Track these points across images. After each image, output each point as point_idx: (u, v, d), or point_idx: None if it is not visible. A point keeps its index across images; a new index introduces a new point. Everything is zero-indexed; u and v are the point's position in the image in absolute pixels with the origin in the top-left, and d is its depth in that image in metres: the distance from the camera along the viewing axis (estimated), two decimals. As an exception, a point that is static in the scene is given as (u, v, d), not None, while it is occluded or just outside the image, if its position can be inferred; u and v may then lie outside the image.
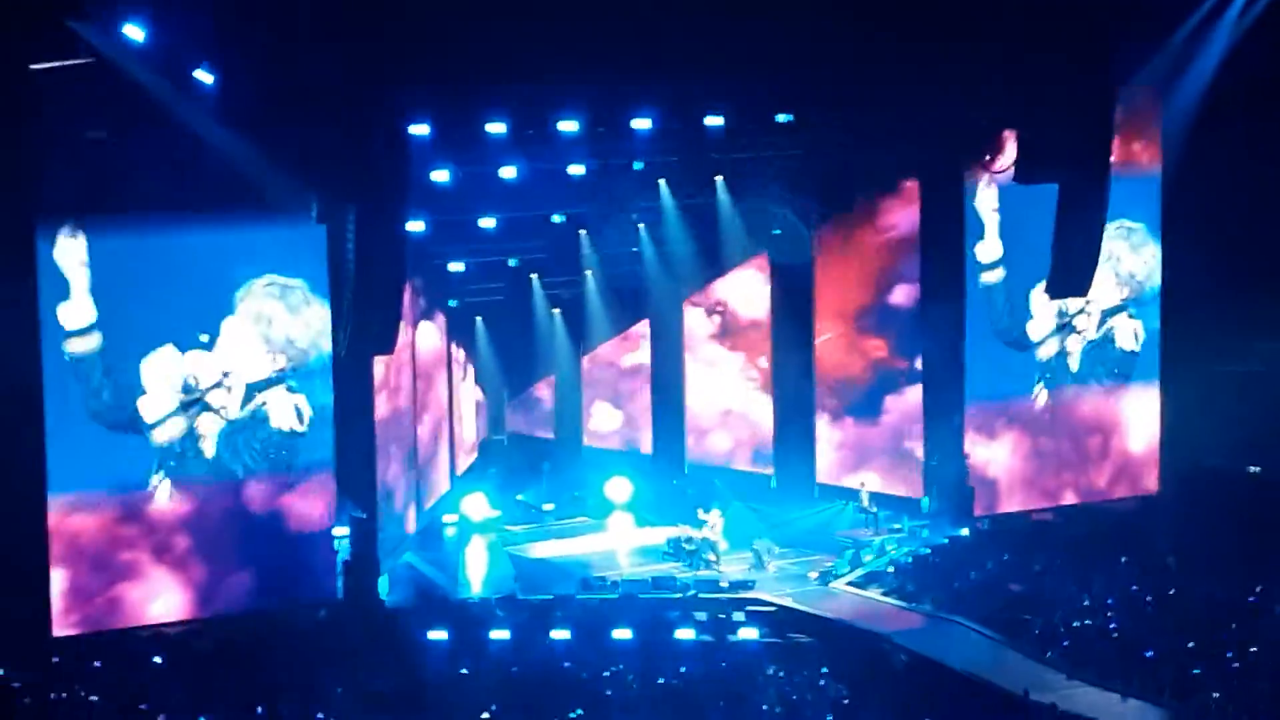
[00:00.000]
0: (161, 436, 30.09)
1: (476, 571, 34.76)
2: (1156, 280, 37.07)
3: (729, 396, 39.26)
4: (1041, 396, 36.53)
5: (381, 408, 32.80)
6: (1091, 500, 36.83)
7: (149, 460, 30.12)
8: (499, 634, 30.48)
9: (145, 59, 27.92)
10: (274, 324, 30.87)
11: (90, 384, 29.50)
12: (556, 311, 39.72)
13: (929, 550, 34.01)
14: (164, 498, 30.19)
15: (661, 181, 36.23)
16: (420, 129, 31.00)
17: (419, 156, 31.13)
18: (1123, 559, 32.91)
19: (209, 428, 30.48)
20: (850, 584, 32.88)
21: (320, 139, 28.83)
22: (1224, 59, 35.52)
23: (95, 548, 29.62)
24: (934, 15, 30.73)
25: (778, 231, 37.72)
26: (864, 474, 36.61)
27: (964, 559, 33.52)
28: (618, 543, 36.28)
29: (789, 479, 38.13)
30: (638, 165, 35.12)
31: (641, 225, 37.72)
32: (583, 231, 37.53)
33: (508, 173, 33.60)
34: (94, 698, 26.29)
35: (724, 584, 32.42)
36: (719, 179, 36.56)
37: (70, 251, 29.15)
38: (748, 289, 38.93)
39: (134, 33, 27.43)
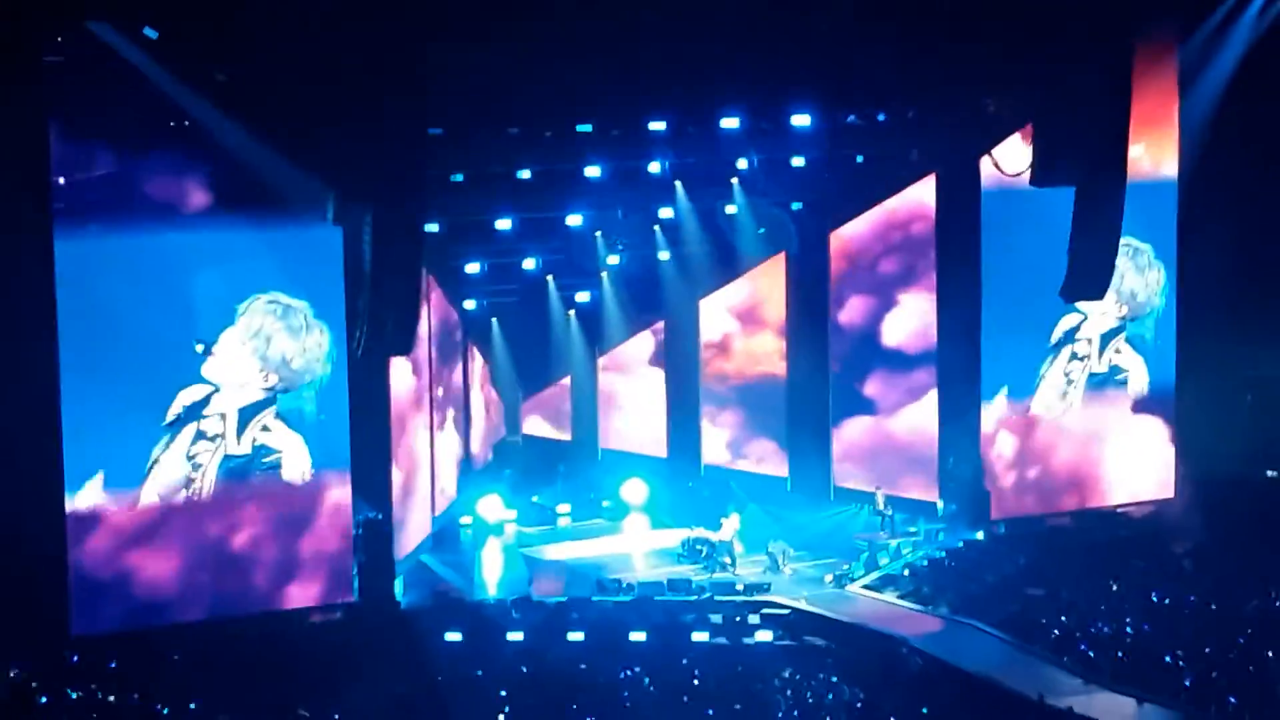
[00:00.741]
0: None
1: (492, 573, 34.76)
2: (1157, 301, 36.84)
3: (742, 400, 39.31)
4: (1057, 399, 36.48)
5: (397, 408, 32.75)
6: (1108, 505, 36.70)
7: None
8: (514, 636, 30.52)
9: (162, 59, 28.01)
10: (272, 343, 30.72)
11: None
12: (572, 314, 39.73)
13: (945, 553, 33.99)
14: (180, 497, 30.17)
15: (678, 183, 36.20)
16: (438, 129, 31.00)
17: (436, 157, 31.13)
18: (1139, 563, 32.89)
19: (207, 458, 30.42)
20: (866, 587, 32.86)
21: (337, 139, 28.83)
22: (1242, 62, 35.52)
23: (111, 547, 29.59)
24: (951, 15, 30.71)
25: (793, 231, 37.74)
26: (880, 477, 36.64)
27: (980, 562, 33.51)
28: (633, 545, 36.26)
29: (804, 482, 38.10)
30: (654, 167, 35.06)
31: (657, 227, 37.69)
32: (599, 234, 37.51)
33: (524, 174, 33.57)
34: (111, 697, 26.32)
35: (739, 587, 32.40)
36: (735, 181, 36.51)
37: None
38: (764, 290, 38.88)
39: (151, 33, 27.48)
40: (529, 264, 37.88)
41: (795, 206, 37.34)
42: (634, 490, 38.46)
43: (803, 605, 31.62)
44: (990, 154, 34.83)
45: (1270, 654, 27.71)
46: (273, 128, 29.36)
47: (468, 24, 28.78)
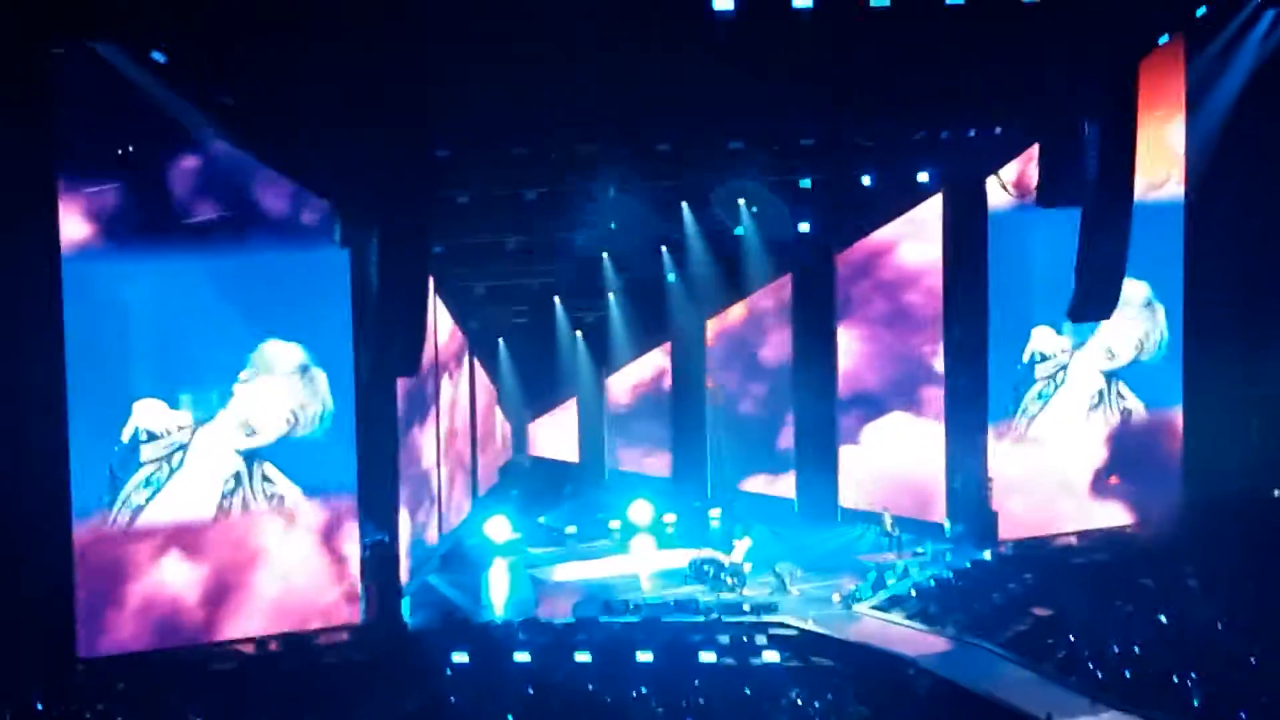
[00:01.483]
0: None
1: (498, 594, 34.73)
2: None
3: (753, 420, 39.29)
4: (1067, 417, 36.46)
5: (404, 430, 32.75)
6: (1115, 524, 36.64)
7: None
8: (521, 656, 30.50)
9: (168, 82, 28.10)
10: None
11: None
12: (579, 334, 39.75)
13: (952, 574, 33.93)
14: (184, 520, 30.18)
15: (684, 204, 36.23)
16: (444, 151, 31.08)
17: (442, 178, 31.20)
18: (1147, 583, 32.85)
19: (207, 485, 30.44)
20: (873, 607, 32.81)
21: (344, 162, 28.93)
22: (1249, 80, 35.57)
23: (118, 570, 29.60)
24: (958, 36, 30.77)
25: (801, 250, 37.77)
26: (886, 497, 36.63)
27: (987, 583, 33.47)
28: (640, 566, 36.23)
29: (811, 502, 38.07)
30: (661, 188, 35.11)
31: (664, 248, 37.72)
32: (605, 254, 37.53)
33: (530, 195, 33.61)
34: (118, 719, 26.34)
35: (746, 607, 32.38)
36: (741, 201, 36.54)
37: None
38: (771, 310, 38.92)
39: (157, 55, 27.58)
40: (535, 285, 37.92)
41: (802, 228, 37.30)
42: (640, 511, 38.42)
43: (810, 626, 31.59)
44: (997, 175, 34.88)
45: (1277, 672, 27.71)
46: (279, 151, 29.50)
47: (473, 46, 28.87)
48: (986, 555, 34.85)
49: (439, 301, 34.61)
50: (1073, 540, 36.11)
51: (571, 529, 38.21)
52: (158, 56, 27.67)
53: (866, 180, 35.94)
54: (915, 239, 36.38)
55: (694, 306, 39.07)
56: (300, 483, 30.91)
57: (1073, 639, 30.11)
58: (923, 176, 35.79)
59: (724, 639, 31.01)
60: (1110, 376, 36.55)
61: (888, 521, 35.86)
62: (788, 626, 31.60)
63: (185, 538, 30.09)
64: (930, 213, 36.01)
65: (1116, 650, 29.51)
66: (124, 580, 29.60)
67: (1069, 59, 30.63)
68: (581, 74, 29.78)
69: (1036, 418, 36.05)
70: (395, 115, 28.09)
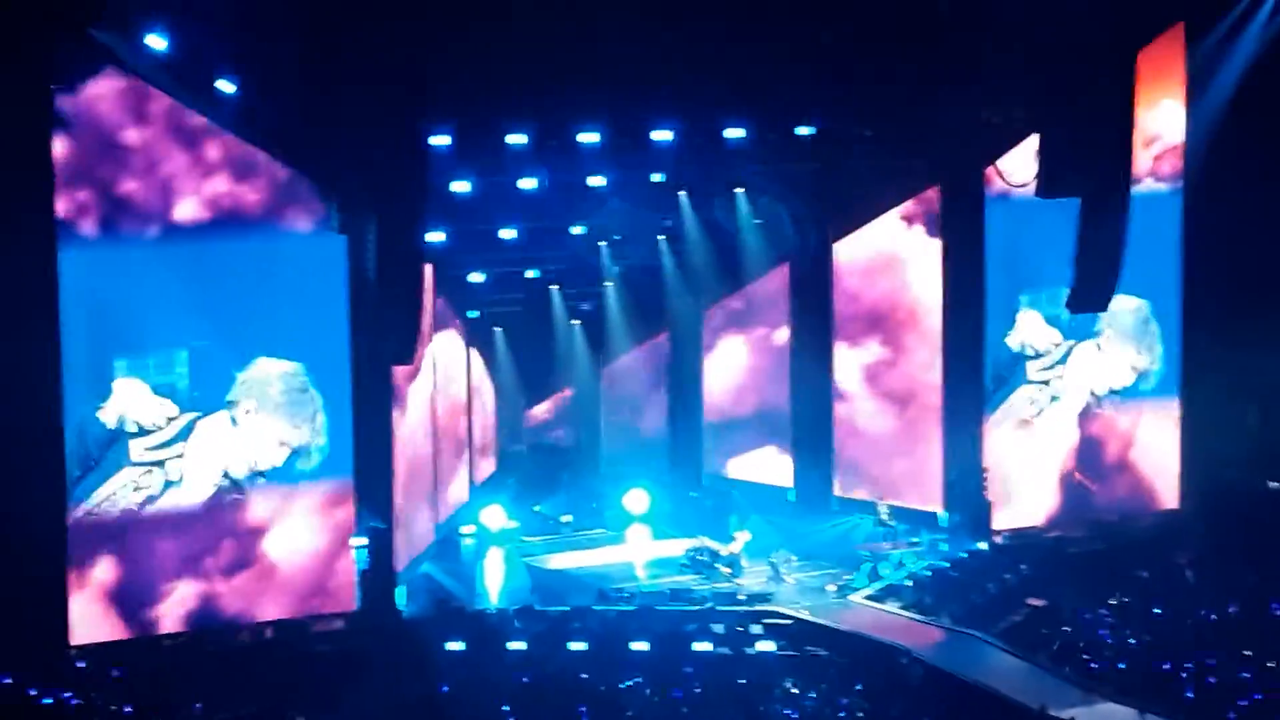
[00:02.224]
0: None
1: (494, 582, 34.72)
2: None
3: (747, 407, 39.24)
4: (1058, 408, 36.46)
5: (400, 418, 32.74)
6: (1110, 515, 36.63)
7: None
8: (516, 645, 30.50)
9: (167, 69, 28.06)
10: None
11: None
12: (576, 323, 39.72)
13: (948, 564, 33.90)
14: (179, 504, 30.17)
15: (681, 193, 36.18)
16: (441, 139, 31.03)
17: (439, 166, 31.14)
18: (1142, 574, 32.84)
19: (199, 471, 30.38)
20: (868, 597, 32.79)
21: (341, 149, 28.89)
22: (1249, 68, 35.52)
23: (111, 555, 29.58)
24: (956, 24, 30.72)
25: (796, 242, 37.69)
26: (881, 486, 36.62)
27: (982, 572, 33.44)
28: (635, 554, 36.23)
29: (807, 492, 38.05)
30: (658, 177, 35.04)
31: (662, 237, 37.68)
32: (603, 243, 37.50)
33: (528, 184, 33.55)
34: (111, 706, 26.29)
35: (742, 596, 32.38)
36: (739, 191, 36.50)
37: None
38: (767, 301, 38.88)
39: (156, 42, 27.54)
40: (532, 274, 37.90)
41: (799, 217, 37.24)
42: (636, 500, 38.41)
43: (805, 615, 31.57)
44: (995, 164, 34.83)
45: (1272, 664, 27.68)
46: (277, 137, 29.47)
47: (473, 32, 28.83)
48: (982, 545, 34.79)
49: (435, 289, 34.53)
50: (1068, 531, 36.09)
51: (567, 518, 38.20)
52: (157, 44, 27.61)
53: (864, 170, 35.85)
54: (912, 227, 36.30)
55: (691, 295, 39.04)
56: (296, 470, 30.88)
57: (1067, 630, 30.12)
58: (920, 166, 35.71)
59: (719, 628, 31.02)
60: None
61: (883, 511, 35.84)
62: (783, 616, 31.58)
63: (179, 523, 30.03)
64: (928, 201, 35.93)
65: (1111, 641, 29.52)
66: (117, 566, 29.54)
67: (1068, 47, 30.51)
68: (579, 60, 29.75)
69: (1032, 407, 36.08)
70: (393, 102, 28.02)
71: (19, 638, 27.51)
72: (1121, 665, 28.53)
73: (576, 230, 36.33)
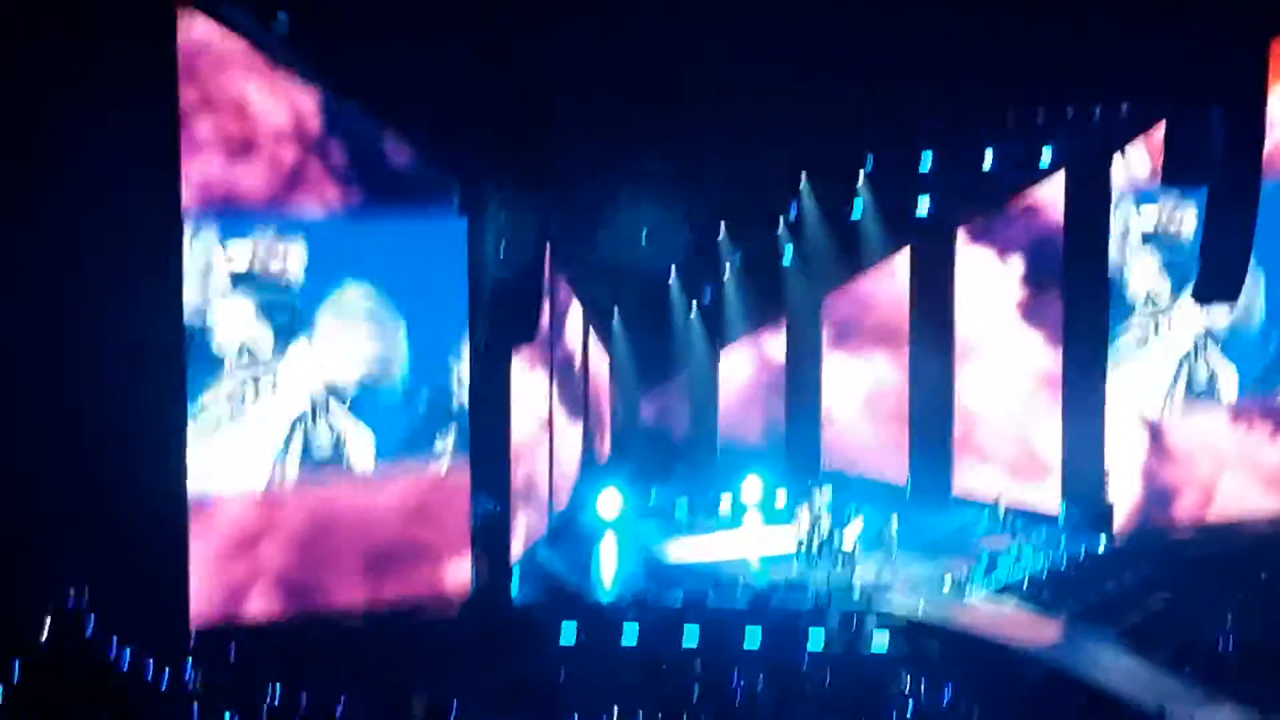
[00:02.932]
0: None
1: (608, 571, 34.71)
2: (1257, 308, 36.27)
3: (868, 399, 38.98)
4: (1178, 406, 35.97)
5: (518, 400, 32.76)
6: (1233, 516, 36.11)
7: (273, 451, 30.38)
8: (629, 636, 30.48)
9: (291, 46, 28.24)
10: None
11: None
12: (694, 306, 39.62)
13: (1065, 562, 33.55)
14: (293, 490, 30.37)
15: (803, 176, 35.99)
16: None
17: (564, 149, 31.16)
18: (1264, 575, 32.39)
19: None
20: (984, 594, 32.51)
21: (468, 129, 28.98)
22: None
23: (230, 541, 29.83)
24: (1082, 13, 30.39)
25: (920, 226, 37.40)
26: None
27: (1101, 572, 33.12)
28: (750, 545, 36.07)
29: (924, 486, 37.76)
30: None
31: (781, 222, 37.51)
32: (723, 227, 37.37)
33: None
34: (229, 686, 26.52)
35: (856, 595, 32.14)
36: (861, 174, 36.28)
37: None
38: (889, 288, 38.60)
39: (280, 19, 27.74)
40: (652, 257, 37.82)
41: (921, 205, 36.95)
42: (752, 488, 38.25)
43: (920, 613, 31.32)
44: (1122, 153, 34.41)
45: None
46: (403, 118, 29.58)
47: (607, 16, 28.88)
48: (1101, 544, 34.40)
49: (555, 272, 34.55)
50: (1190, 531, 35.65)
51: (683, 504, 38.10)
52: (281, 21, 27.78)
53: (989, 159, 35.54)
54: (1038, 218, 35.91)
55: (809, 282, 38.84)
56: (411, 450, 30.98)
57: (1187, 631, 29.75)
58: (1046, 155, 35.33)
59: (833, 624, 30.85)
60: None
61: (1001, 508, 35.52)
62: (897, 613, 31.33)
63: (293, 504, 30.29)
64: (1053, 192, 35.53)
65: (1231, 644, 29.13)
66: (235, 548, 29.80)
67: (1198, 33, 30.10)
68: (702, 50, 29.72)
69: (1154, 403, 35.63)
70: (521, 85, 28.10)
71: (142, 613, 27.80)
72: (1242, 668, 28.11)
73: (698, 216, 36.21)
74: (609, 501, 37.28)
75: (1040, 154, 35.47)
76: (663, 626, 30.71)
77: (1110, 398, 35.22)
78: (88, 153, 27.41)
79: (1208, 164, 30.73)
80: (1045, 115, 34.29)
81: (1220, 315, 35.70)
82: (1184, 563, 33.39)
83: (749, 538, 36.49)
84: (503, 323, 30.23)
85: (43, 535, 27.56)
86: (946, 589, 32.64)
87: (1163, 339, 35.71)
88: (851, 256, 38.19)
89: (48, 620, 26.64)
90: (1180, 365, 35.80)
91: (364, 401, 30.68)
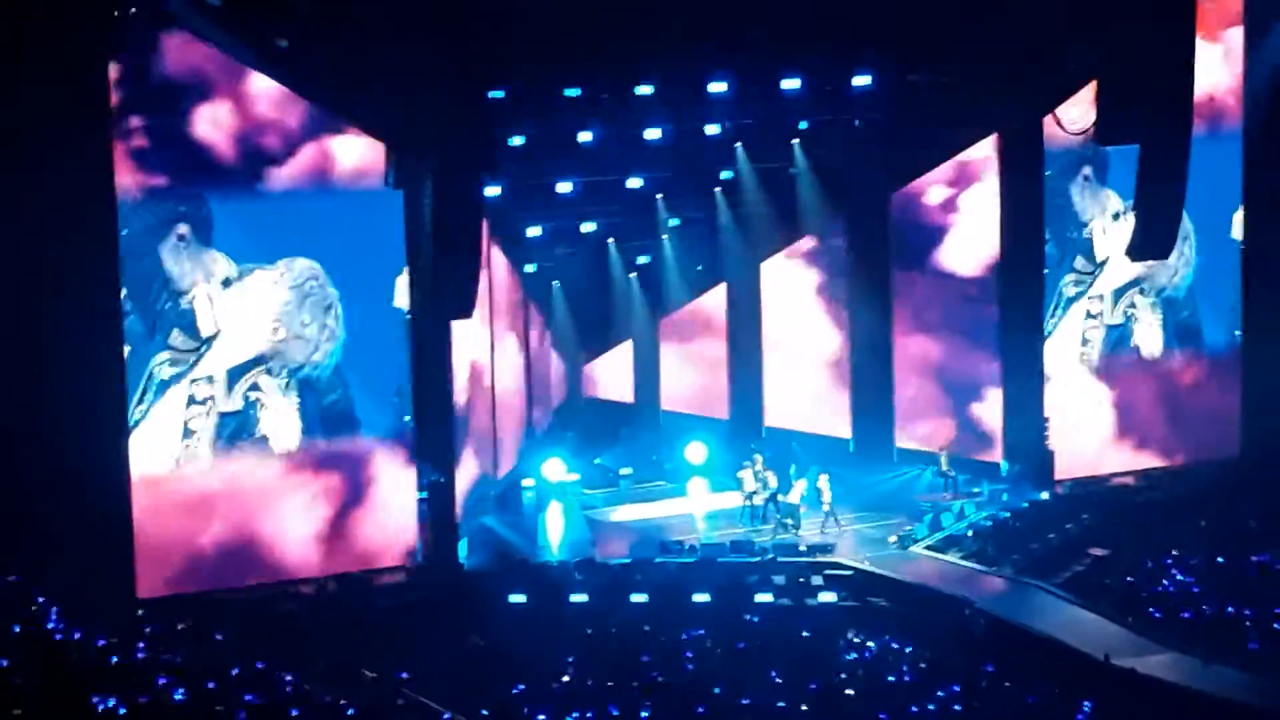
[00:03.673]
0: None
1: (555, 535, 34.81)
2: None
3: (807, 360, 39.10)
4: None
5: (459, 371, 32.80)
6: (1173, 464, 36.48)
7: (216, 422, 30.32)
8: (578, 597, 30.62)
9: (222, 23, 28.12)
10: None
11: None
12: (633, 276, 39.65)
13: (1009, 514, 33.84)
14: (237, 460, 30.36)
15: (738, 145, 36.06)
16: (498, 92, 31.01)
17: (497, 120, 31.14)
18: (1203, 523, 32.72)
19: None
20: (929, 548, 32.75)
21: (399, 103, 28.90)
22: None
23: (175, 510, 29.80)
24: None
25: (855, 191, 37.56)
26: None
27: (1044, 523, 33.36)
28: (696, 507, 36.23)
29: (867, 443, 37.97)
30: (714, 129, 34.94)
31: (718, 190, 37.57)
32: (659, 196, 37.39)
33: (584, 137, 33.52)
34: (178, 659, 26.49)
35: (802, 548, 32.36)
36: (796, 143, 36.35)
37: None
38: (824, 253, 38.76)
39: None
40: (589, 227, 37.83)
41: (856, 167, 37.09)
42: (695, 452, 38.39)
43: (866, 566, 31.55)
44: (1054, 112, 34.61)
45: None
46: (334, 92, 29.49)
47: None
48: (1044, 495, 34.69)
49: (493, 243, 34.55)
50: (1130, 480, 35.99)
51: (627, 470, 38.21)
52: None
53: (922, 119, 35.64)
54: (971, 177, 36.12)
55: (749, 248, 38.90)
56: (360, 422, 31.08)
57: (1130, 579, 30.03)
58: (978, 114, 35.47)
59: (780, 580, 31.06)
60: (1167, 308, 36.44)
61: (944, 462, 35.77)
62: (844, 567, 31.56)
63: (241, 476, 30.29)
64: (987, 150, 35.73)
65: (1173, 591, 29.42)
66: (181, 519, 29.78)
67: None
68: (635, 12, 29.67)
69: (1093, 355, 36.00)
70: (450, 57, 28.03)
71: (88, 592, 27.73)
72: (1185, 615, 28.40)
73: (633, 183, 36.20)
74: (554, 467, 37.35)
75: (971, 115, 35.60)
76: (611, 586, 30.87)
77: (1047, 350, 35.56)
78: (21, 141, 27.47)
79: (1139, 122, 30.99)
80: (975, 77, 34.39)
81: (1151, 268, 35.98)
82: (1125, 511, 33.65)
83: (694, 500, 36.65)
84: (440, 295, 30.20)
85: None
86: (892, 542, 32.88)
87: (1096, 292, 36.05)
88: (789, 221, 38.24)
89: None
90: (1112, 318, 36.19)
91: (301, 376, 30.66)
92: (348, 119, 30.04)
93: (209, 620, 28.37)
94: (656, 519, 35.46)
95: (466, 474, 33.39)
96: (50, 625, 26.15)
